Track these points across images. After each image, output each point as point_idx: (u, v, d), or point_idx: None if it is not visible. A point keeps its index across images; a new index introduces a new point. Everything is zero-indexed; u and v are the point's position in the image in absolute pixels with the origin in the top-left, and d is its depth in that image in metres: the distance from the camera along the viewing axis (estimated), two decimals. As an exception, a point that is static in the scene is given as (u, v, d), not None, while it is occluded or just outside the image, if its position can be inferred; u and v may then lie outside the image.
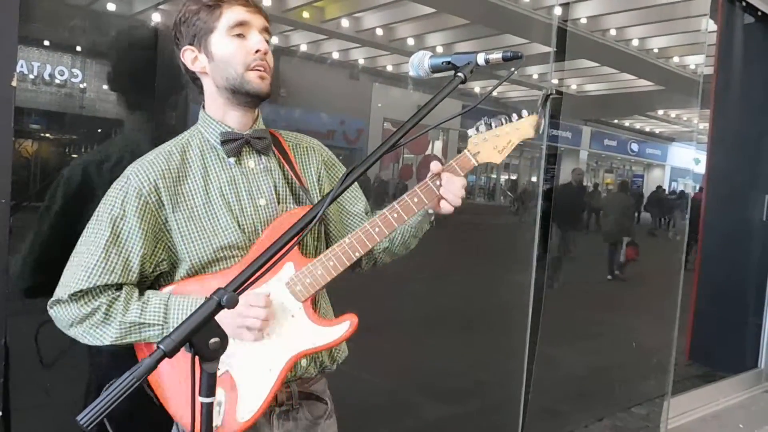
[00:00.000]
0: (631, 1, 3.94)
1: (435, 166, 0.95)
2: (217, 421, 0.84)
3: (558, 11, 2.56)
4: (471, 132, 0.94)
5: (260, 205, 0.97)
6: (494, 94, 1.01)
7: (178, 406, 0.92)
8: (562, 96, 2.81)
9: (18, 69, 1.16)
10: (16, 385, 1.14)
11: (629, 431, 2.80)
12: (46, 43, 1.34)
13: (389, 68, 2.96)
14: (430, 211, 0.99)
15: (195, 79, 0.99)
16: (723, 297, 3.48)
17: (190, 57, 0.96)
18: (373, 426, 2.05)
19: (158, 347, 0.60)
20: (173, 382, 0.92)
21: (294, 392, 0.99)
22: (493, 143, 0.93)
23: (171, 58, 1.44)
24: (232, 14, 0.93)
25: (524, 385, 2.39)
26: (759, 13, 3.30)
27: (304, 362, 0.98)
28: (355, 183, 1.09)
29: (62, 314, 0.90)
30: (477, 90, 2.51)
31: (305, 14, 2.29)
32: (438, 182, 0.94)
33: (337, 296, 1.08)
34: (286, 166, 1.01)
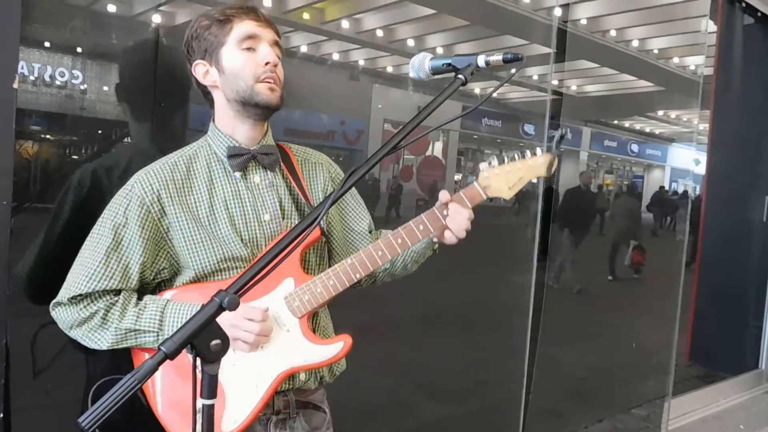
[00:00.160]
0: (631, 2, 3.94)
1: (444, 195, 0.94)
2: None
3: (558, 12, 2.57)
4: (483, 165, 0.94)
5: (264, 221, 0.98)
6: (495, 95, 1.01)
7: (170, 415, 0.91)
8: (562, 97, 2.81)
9: (19, 70, 1.16)
10: (17, 386, 1.14)
11: (629, 432, 2.80)
12: (47, 44, 1.34)
13: (389, 69, 2.96)
14: (435, 239, 0.99)
15: (206, 93, 1.01)
16: (723, 298, 3.48)
17: (201, 71, 0.98)
18: (374, 426, 2.05)
19: (160, 349, 0.60)
20: (166, 390, 0.92)
21: (291, 401, 0.99)
22: (505, 178, 0.93)
23: (172, 58, 1.45)
24: (242, 28, 0.94)
25: (524, 385, 2.39)
26: (759, 14, 3.30)
27: (303, 376, 0.98)
28: (361, 201, 1.11)
29: (62, 316, 0.92)
30: (477, 91, 2.51)
31: (305, 15, 2.30)
32: (445, 212, 0.93)
33: (338, 297, 1.08)
34: (293, 182, 1.02)
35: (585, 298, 3.43)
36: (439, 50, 2.99)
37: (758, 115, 3.45)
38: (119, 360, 0.97)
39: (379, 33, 2.79)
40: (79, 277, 0.91)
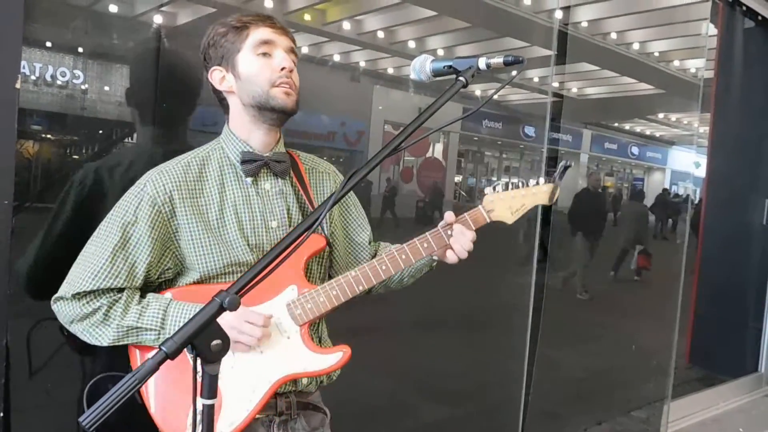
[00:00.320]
0: (632, 4, 3.95)
1: (449, 216, 0.98)
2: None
3: (559, 15, 2.57)
4: (488, 190, 0.97)
5: (271, 227, 0.99)
6: (496, 97, 1.03)
7: (167, 416, 0.91)
8: (562, 99, 2.82)
9: (20, 70, 1.16)
10: (17, 385, 1.14)
11: (629, 435, 2.79)
12: (48, 44, 1.35)
13: (390, 71, 2.97)
14: (435, 257, 1.01)
15: (222, 99, 1.02)
16: (723, 300, 3.48)
17: (218, 77, 0.99)
18: (373, 427, 2.05)
19: (161, 349, 0.60)
20: (163, 391, 0.92)
21: (293, 402, 1.00)
22: (508, 203, 0.96)
23: (173, 59, 1.45)
24: (258, 34, 0.96)
25: (524, 387, 2.39)
26: (759, 18, 3.30)
27: (305, 380, 0.99)
28: (363, 212, 1.13)
29: (64, 311, 0.92)
30: (478, 93, 2.52)
31: (307, 17, 2.30)
32: (449, 232, 0.96)
33: (338, 308, 1.08)
34: (301, 191, 1.03)
35: (585, 300, 3.44)
36: (440, 52, 2.99)
37: (758, 118, 3.46)
38: (118, 359, 0.97)
39: (380, 34, 2.80)
40: (84, 273, 0.91)
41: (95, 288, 0.90)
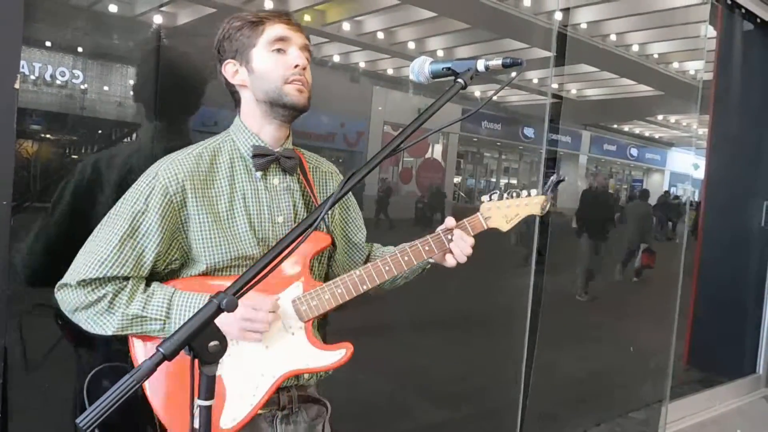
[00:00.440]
0: (632, 6, 3.96)
1: (450, 221, 1.02)
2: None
3: (558, 16, 2.58)
4: (485, 198, 1.02)
5: (277, 222, 0.99)
6: (495, 98, 1.05)
7: (170, 412, 0.91)
8: (561, 100, 2.82)
9: (20, 70, 1.16)
10: (14, 386, 1.14)
11: (627, 436, 2.80)
12: (48, 43, 1.35)
13: (390, 71, 2.97)
14: (431, 260, 1.04)
15: (233, 92, 1.02)
16: (721, 302, 3.48)
17: (231, 70, 0.99)
18: (371, 429, 2.05)
19: (158, 350, 0.60)
20: (168, 387, 0.92)
21: (294, 396, 1.01)
22: (504, 212, 1.02)
23: (172, 58, 1.45)
24: (273, 30, 0.96)
25: (522, 389, 2.39)
26: (758, 20, 3.31)
27: (307, 375, 1.00)
28: (360, 213, 1.14)
29: (68, 298, 0.90)
30: (478, 94, 2.52)
31: (306, 17, 2.30)
32: (449, 236, 1.00)
33: (340, 306, 1.09)
34: (307, 188, 1.04)
35: (584, 302, 3.44)
36: (440, 53, 3.00)
37: (757, 120, 3.46)
38: (115, 355, 0.97)
39: (380, 35, 2.80)
40: (91, 260, 0.89)
41: (101, 276, 0.89)
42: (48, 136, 1.44)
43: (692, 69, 4.24)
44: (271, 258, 0.69)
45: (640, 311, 3.38)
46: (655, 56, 4.67)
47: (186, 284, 0.95)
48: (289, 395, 1.00)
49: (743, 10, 3.22)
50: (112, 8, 1.46)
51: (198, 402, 0.65)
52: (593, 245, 3.60)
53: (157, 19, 1.50)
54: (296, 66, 0.95)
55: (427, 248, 0.99)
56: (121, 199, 0.94)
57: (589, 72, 4.06)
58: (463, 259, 1.01)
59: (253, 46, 0.96)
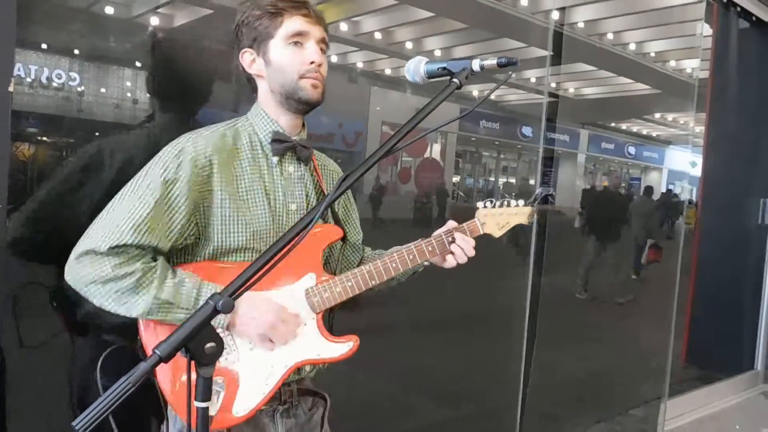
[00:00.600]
0: (628, 5, 3.97)
1: (451, 224, 1.08)
2: (213, 410, 0.84)
3: (555, 15, 2.58)
4: (480, 204, 1.10)
5: (291, 210, 1.00)
6: (493, 97, 1.07)
7: (177, 395, 0.90)
8: (558, 99, 2.83)
9: (15, 72, 1.16)
10: (12, 388, 1.14)
11: (626, 434, 2.80)
12: (44, 46, 1.34)
13: (388, 72, 2.97)
14: (428, 262, 1.08)
15: (250, 80, 1.03)
16: (719, 299, 3.49)
17: (248, 59, 1.00)
18: (370, 428, 2.05)
19: (154, 352, 0.60)
20: (173, 371, 0.90)
21: (294, 390, 1.02)
22: (496, 219, 1.10)
23: (171, 59, 1.45)
24: (291, 24, 0.97)
25: (521, 388, 2.40)
26: (753, 19, 3.32)
27: (308, 367, 1.01)
28: (358, 217, 1.15)
29: (89, 267, 0.84)
30: (475, 93, 2.52)
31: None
32: (450, 238, 1.06)
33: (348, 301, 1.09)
34: (319, 181, 1.06)
35: (583, 300, 3.44)
36: (438, 53, 3.00)
37: (753, 117, 3.47)
38: (116, 355, 0.96)
39: (378, 35, 2.80)
40: (123, 226, 0.85)
41: (135, 242, 0.84)
42: (45, 138, 1.43)
43: (689, 67, 4.25)
44: (268, 259, 0.69)
45: (640, 309, 3.39)
46: (652, 55, 4.68)
47: (196, 268, 0.93)
48: (290, 389, 1.01)
49: (739, 8, 3.23)
50: (109, 10, 1.46)
51: (195, 404, 0.65)
52: (602, 246, 3.60)
53: (154, 21, 1.50)
54: (312, 62, 0.96)
55: (430, 249, 1.04)
56: (146, 170, 0.91)
57: (586, 71, 4.07)
58: (464, 260, 1.06)
59: (270, 38, 0.97)
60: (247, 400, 0.92)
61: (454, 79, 0.84)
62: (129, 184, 0.91)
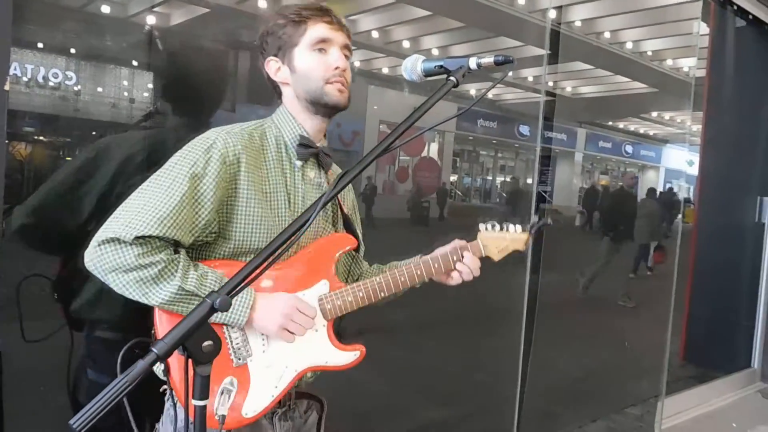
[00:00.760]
0: (625, 4, 3.97)
1: (457, 242, 1.09)
2: (223, 410, 0.85)
3: (552, 14, 2.58)
4: (481, 226, 1.11)
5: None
6: (490, 96, 1.07)
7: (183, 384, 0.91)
8: (555, 98, 2.83)
9: (11, 71, 1.15)
10: (10, 390, 1.14)
11: (623, 432, 2.81)
12: (40, 45, 1.34)
13: (385, 71, 2.97)
14: (428, 279, 1.09)
15: (275, 86, 1.04)
16: (716, 298, 3.51)
17: (273, 67, 1.01)
18: (369, 427, 2.05)
19: (151, 350, 0.60)
20: (180, 360, 0.91)
21: (292, 394, 1.03)
22: (496, 243, 1.10)
23: (171, 57, 1.44)
24: (315, 31, 0.98)
25: (519, 386, 2.40)
26: (750, 17, 3.33)
27: (309, 373, 1.02)
28: (360, 229, 1.15)
29: (113, 256, 0.84)
30: (473, 92, 2.53)
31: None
32: (455, 257, 1.07)
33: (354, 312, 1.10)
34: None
35: (581, 299, 3.45)
36: (435, 51, 3.00)
37: (750, 116, 3.48)
38: (112, 358, 0.96)
39: (375, 34, 2.80)
40: (150, 217, 0.84)
41: (160, 234, 0.84)
42: (41, 137, 1.43)
43: (685, 66, 4.26)
44: (264, 259, 0.69)
45: (637, 307, 3.39)
46: (649, 53, 4.69)
47: (217, 265, 0.93)
48: (289, 393, 1.01)
49: (735, 7, 3.24)
50: (105, 9, 1.46)
51: (193, 402, 0.65)
52: (616, 248, 3.60)
53: (150, 20, 1.49)
54: (336, 68, 0.98)
55: (436, 265, 1.06)
56: (173, 162, 0.90)
57: (583, 69, 4.07)
58: (469, 278, 1.08)
59: (295, 45, 0.98)
60: (256, 402, 0.93)
61: (451, 78, 0.84)
62: (156, 174, 0.91)
